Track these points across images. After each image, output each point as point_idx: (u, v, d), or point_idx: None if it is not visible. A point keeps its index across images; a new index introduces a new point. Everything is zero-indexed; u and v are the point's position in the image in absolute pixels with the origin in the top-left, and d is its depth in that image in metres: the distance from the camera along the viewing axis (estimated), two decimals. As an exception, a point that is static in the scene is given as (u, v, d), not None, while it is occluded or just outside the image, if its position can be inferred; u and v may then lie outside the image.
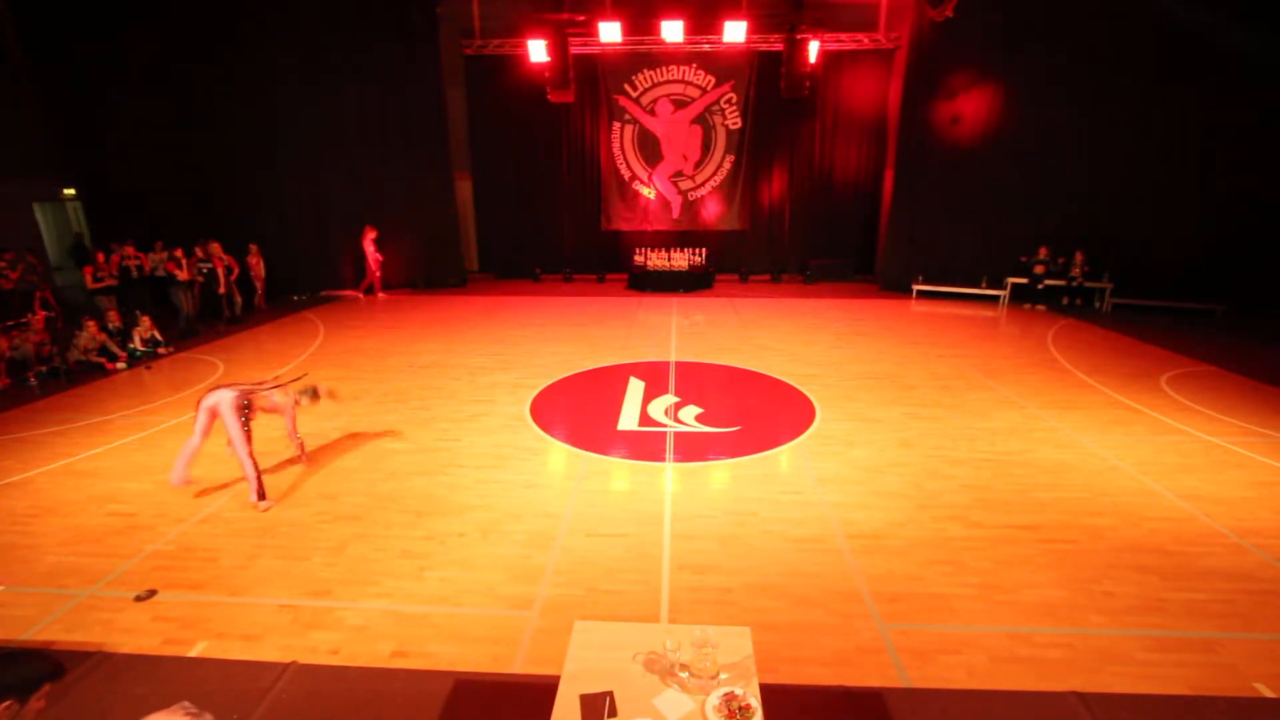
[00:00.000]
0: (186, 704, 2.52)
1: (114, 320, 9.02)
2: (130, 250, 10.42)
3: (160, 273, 10.40)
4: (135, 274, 10.44)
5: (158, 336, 9.29)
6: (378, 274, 13.56)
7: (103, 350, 8.55)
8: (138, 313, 9.36)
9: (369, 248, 13.31)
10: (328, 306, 12.82)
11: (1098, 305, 12.25)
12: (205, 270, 10.73)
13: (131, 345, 8.91)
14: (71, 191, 13.90)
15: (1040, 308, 12.27)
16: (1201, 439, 6.15)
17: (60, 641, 3.50)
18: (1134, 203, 12.00)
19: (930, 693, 3.15)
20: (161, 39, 11.95)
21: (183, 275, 10.27)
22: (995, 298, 12.70)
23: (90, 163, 12.56)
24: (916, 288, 13.27)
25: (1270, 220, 11.11)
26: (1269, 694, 3.13)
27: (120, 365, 8.53)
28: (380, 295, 13.63)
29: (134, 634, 3.56)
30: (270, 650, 3.42)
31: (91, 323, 8.56)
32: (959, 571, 4.11)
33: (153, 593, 3.90)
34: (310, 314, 12.10)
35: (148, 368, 8.67)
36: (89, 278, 9.78)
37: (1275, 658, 3.37)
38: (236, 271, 11.61)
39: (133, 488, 5.27)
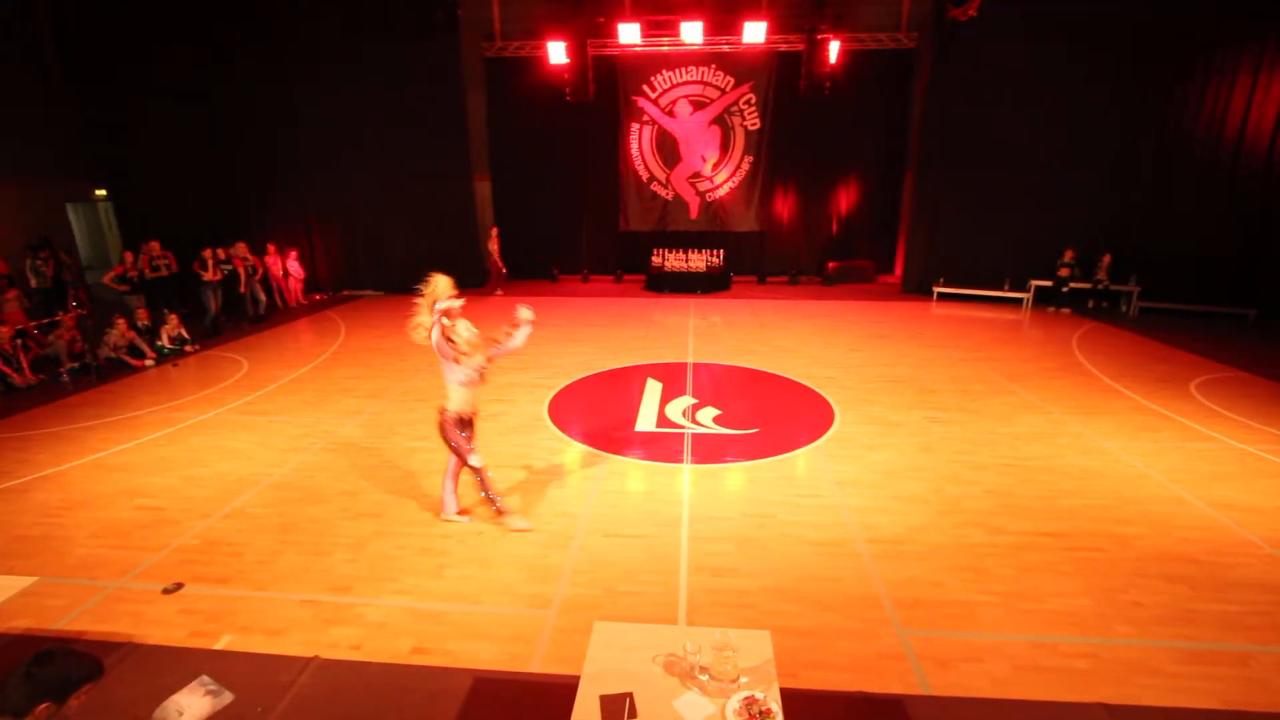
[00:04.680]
0: (205, 678, 2.57)
1: (143, 318, 9.23)
2: (157, 249, 10.65)
3: (164, 272, 10.59)
4: (166, 273, 10.66)
5: (184, 335, 9.49)
6: (503, 270, 13.88)
7: (132, 348, 8.75)
8: (165, 311, 9.57)
9: (493, 247, 13.61)
10: (349, 305, 13.00)
11: (1124, 309, 12.00)
12: (226, 270, 10.94)
13: (159, 343, 9.11)
14: (103, 192, 14.23)
15: (1065, 311, 12.04)
16: (1234, 446, 5.99)
17: (90, 632, 3.58)
18: (1162, 204, 11.75)
19: (952, 701, 3.10)
20: (189, 41, 12.19)
21: (208, 275, 10.47)
22: (1018, 300, 12.49)
23: (120, 164, 12.85)
24: (937, 290, 13.10)
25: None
26: (1306, 710, 3.04)
27: (148, 362, 8.72)
28: (496, 293, 13.78)
29: (162, 626, 3.63)
30: (293, 645, 3.47)
31: (121, 321, 8.76)
32: (981, 578, 4.05)
33: (180, 585, 3.97)
34: (332, 313, 12.27)
35: (174, 365, 8.85)
36: (110, 275, 10.10)
37: (1312, 673, 3.27)
38: (260, 272, 11.84)
39: (160, 482, 5.38)
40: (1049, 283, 12.10)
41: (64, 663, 1.95)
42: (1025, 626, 3.62)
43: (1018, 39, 11.74)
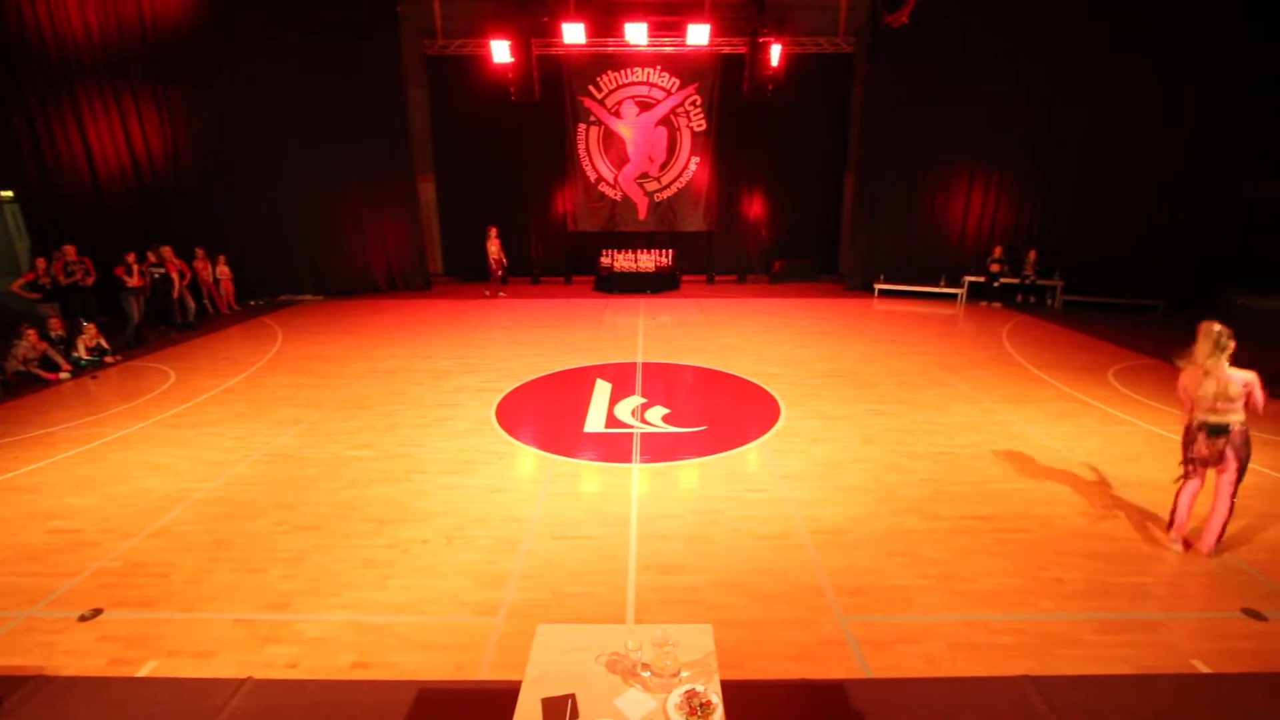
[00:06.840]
0: None
1: (56, 328, 8.63)
2: (72, 254, 9.97)
3: (80, 278, 9.91)
4: (83, 279, 9.98)
5: (104, 345, 8.92)
6: (499, 273, 13.62)
7: (44, 360, 8.18)
8: (82, 320, 8.98)
9: (491, 247, 13.34)
10: (286, 311, 12.49)
11: (1049, 302, 12.70)
12: (158, 275, 10.36)
13: (76, 354, 8.53)
14: (9, 194, 13.23)
15: (996, 305, 12.67)
16: (1145, 429, 6.43)
17: (-4, 666, 3.33)
18: (1082, 203, 12.46)
19: (890, 682, 3.22)
20: (109, 36, 11.47)
21: (133, 281, 9.87)
22: (953, 296, 13.05)
23: (30, 164, 11.97)
24: (878, 287, 13.55)
25: (1205, 220, 11.68)
26: (1205, 669, 3.29)
27: (64, 375, 8.17)
28: (499, 294, 13.63)
29: (77, 655, 3.41)
30: (224, 667, 3.32)
31: (32, 331, 8.17)
32: (917, 563, 4.22)
33: (98, 611, 3.74)
34: (268, 319, 11.77)
35: (93, 377, 8.31)
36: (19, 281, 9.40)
37: (1211, 635, 3.54)
38: (189, 277, 11.26)
39: (76, 503, 5.04)
40: (981, 278, 12.71)
41: None
42: (959, 607, 3.79)
43: (949, 43, 12.25)
